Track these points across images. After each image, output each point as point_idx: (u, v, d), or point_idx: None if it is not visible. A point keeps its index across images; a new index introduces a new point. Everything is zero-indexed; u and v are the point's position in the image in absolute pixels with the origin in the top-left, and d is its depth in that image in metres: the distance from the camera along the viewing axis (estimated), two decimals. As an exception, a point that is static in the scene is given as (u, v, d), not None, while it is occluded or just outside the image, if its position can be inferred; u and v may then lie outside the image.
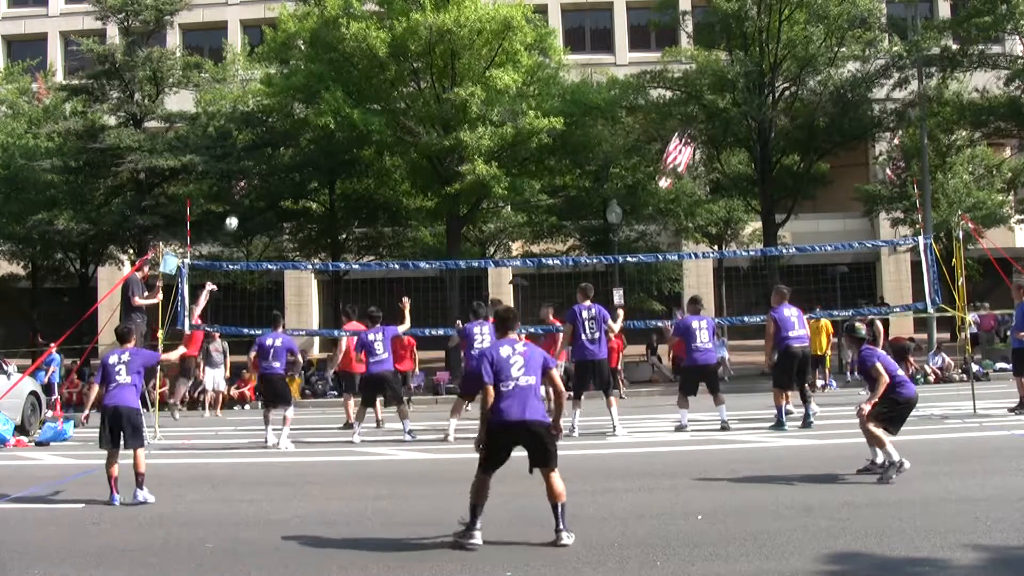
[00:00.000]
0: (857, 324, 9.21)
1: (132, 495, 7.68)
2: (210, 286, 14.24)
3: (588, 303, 11.59)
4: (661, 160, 26.06)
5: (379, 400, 13.46)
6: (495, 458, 6.07)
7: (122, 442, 7.88)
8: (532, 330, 18.52)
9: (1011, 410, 12.48)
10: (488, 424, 6.02)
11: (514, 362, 6.10)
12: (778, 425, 11.49)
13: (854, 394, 18.04)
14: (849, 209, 32.74)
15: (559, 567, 5.50)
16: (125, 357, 8.14)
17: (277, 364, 11.53)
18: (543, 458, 6.03)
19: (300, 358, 12.02)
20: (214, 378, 18.47)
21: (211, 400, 18.50)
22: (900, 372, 8.26)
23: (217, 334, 17.14)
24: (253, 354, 11.86)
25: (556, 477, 5.99)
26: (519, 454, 10.30)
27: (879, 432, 7.91)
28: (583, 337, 11.37)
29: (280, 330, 12.03)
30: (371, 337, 12.08)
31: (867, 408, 7.96)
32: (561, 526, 5.90)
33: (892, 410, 8.02)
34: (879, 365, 8.07)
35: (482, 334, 11.77)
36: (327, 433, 13.74)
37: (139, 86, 25.18)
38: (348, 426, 13.58)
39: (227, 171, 24.70)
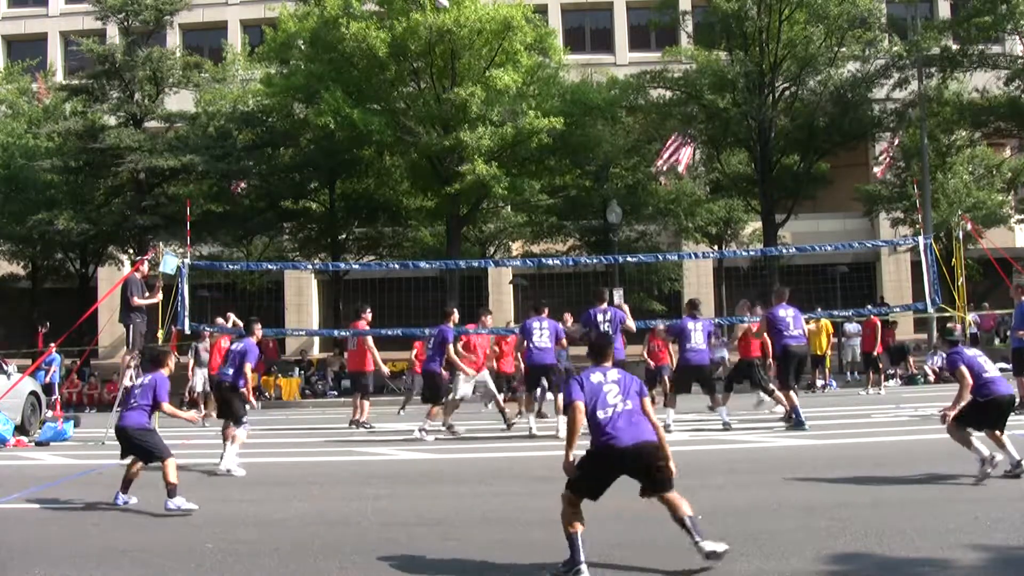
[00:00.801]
0: (949, 326, 9.14)
1: (164, 504, 7.30)
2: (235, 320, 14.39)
3: (604, 306, 11.74)
4: (658, 159, 26.07)
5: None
6: (591, 484, 5.48)
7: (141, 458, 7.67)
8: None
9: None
10: (592, 448, 5.54)
11: (608, 389, 5.57)
12: (797, 424, 11.39)
13: (853, 394, 18.08)
14: (849, 209, 32.73)
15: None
16: (146, 381, 7.77)
17: (230, 371, 9.83)
18: (660, 482, 5.44)
19: (248, 373, 9.81)
20: (203, 378, 17.93)
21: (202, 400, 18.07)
22: (988, 372, 7.90)
23: (207, 333, 17.01)
24: None
25: (676, 495, 5.46)
26: (513, 455, 10.27)
27: (963, 434, 7.78)
28: None
29: (253, 337, 10.23)
30: (427, 334, 12.41)
31: (951, 414, 7.80)
32: (697, 538, 5.35)
33: (973, 411, 7.80)
34: (963, 368, 7.77)
35: (541, 329, 11.85)
36: (327, 433, 13.75)
37: (139, 86, 25.20)
38: (355, 423, 13.67)
39: (227, 171, 24.71)
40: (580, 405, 5.47)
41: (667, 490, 5.45)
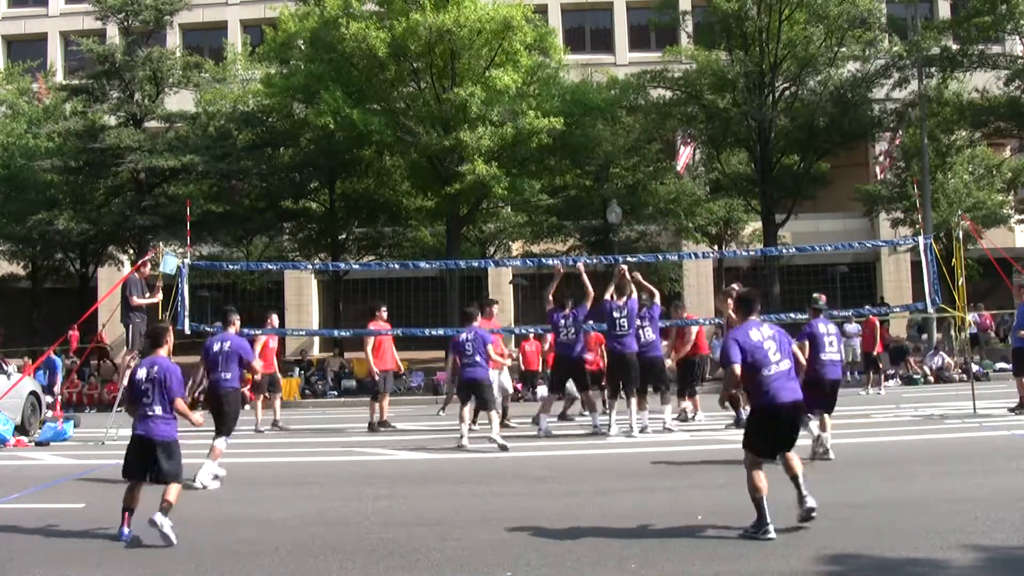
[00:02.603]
0: (816, 295, 9.79)
1: (150, 517, 6.28)
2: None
3: (623, 300, 11.61)
4: (670, 160, 26.11)
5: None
6: (764, 444, 6.11)
7: (149, 476, 6.52)
8: (533, 329, 18.59)
9: (1011, 410, 12.49)
10: (756, 407, 6.15)
11: (768, 347, 6.10)
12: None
13: (853, 394, 18.07)
14: (849, 209, 32.72)
15: (559, 567, 5.50)
16: (155, 373, 6.55)
17: (228, 375, 8.89)
18: (792, 442, 6.19)
19: (257, 370, 9.38)
20: None
21: None
22: (827, 355, 8.90)
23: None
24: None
25: (793, 455, 6.16)
26: (513, 455, 10.27)
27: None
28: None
29: (232, 330, 9.34)
30: (462, 337, 11.24)
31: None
32: (804, 492, 6.10)
33: (805, 387, 8.64)
34: (804, 342, 8.82)
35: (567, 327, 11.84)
36: (327, 433, 13.75)
37: (139, 86, 25.17)
38: (382, 424, 13.44)
39: (227, 171, 24.68)
40: (737, 368, 6.03)
41: (791, 450, 6.17)
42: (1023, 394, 12.60)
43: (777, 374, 6.08)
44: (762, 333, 6.20)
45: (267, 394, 14.64)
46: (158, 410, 6.52)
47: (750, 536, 5.94)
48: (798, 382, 6.25)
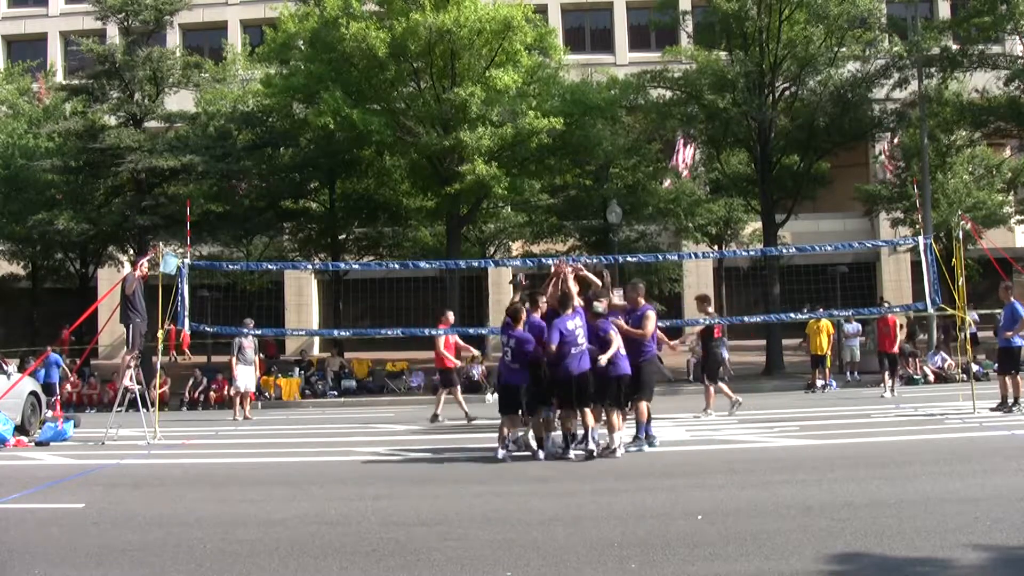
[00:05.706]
0: (596, 302, 9.85)
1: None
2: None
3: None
4: (668, 160, 26.05)
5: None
6: (562, 396, 9.45)
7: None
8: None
9: (992, 409, 12.56)
10: (560, 376, 9.28)
11: (578, 335, 9.26)
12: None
13: (856, 394, 18.08)
14: (849, 209, 32.74)
15: (559, 567, 5.50)
16: (512, 344, 9.48)
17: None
18: (583, 400, 9.37)
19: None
20: (246, 377, 17.10)
21: (241, 399, 17.13)
22: (572, 352, 9.57)
23: (249, 331, 16.99)
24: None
25: (589, 412, 9.49)
26: (513, 455, 10.27)
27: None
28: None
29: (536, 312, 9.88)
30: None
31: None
32: (590, 439, 9.46)
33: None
34: (555, 334, 9.65)
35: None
36: (327, 433, 13.75)
37: (139, 86, 25.14)
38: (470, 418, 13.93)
39: (227, 171, 24.66)
40: (554, 347, 9.16)
41: (585, 407, 9.45)
42: (1004, 393, 12.74)
43: (577, 354, 9.17)
44: (575, 324, 9.22)
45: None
46: (515, 366, 9.49)
47: (533, 459, 9.34)
48: (588, 359, 9.26)
